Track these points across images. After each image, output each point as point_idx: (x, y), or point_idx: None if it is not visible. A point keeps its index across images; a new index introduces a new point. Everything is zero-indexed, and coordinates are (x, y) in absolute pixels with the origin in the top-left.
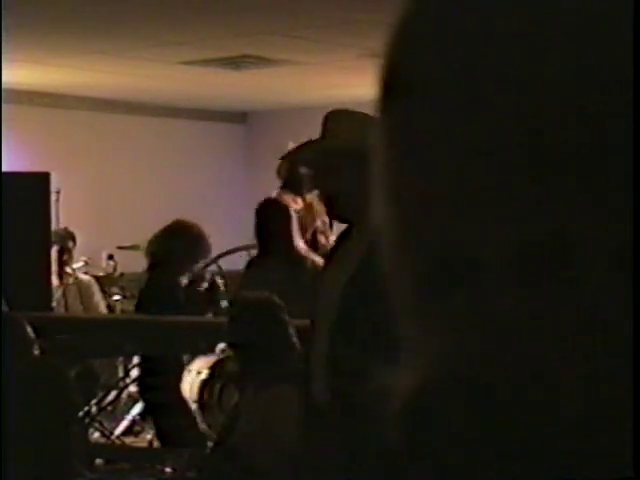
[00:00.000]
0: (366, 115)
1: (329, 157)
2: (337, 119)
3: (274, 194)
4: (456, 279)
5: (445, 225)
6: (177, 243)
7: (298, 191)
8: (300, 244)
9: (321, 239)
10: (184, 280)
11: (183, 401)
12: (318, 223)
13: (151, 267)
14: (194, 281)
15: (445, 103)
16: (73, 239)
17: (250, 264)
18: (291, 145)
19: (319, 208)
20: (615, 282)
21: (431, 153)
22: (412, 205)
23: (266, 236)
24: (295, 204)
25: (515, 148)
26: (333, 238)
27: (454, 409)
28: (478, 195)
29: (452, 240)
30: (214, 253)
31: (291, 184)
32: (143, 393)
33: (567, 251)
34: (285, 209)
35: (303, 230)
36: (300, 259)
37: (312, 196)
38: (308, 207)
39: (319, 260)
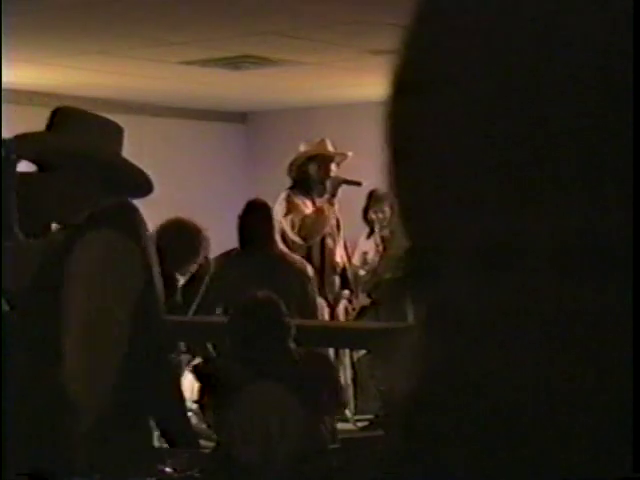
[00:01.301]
0: (97, 117)
1: (48, 153)
2: (66, 117)
3: (283, 195)
4: (424, 273)
5: (430, 219)
6: (173, 240)
7: (308, 193)
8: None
9: (329, 243)
10: (182, 278)
11: (182, 401)
12: (327, 227)
13: None
14: (195, 280)
15: (451, 101)
16: None
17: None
18: (302, 146)
19: (329, 212)
20: (616, 280)
21: (431, 153)
22: (408, 199)
23: (246, 235)
24: (305, 207)
25: (516, 145)
26: (341, 242)
27: (450, 407)
28: (471, 191)
29: (431, 234)
30: (214, 253)
31: (300, 186)
32: None
33: (566, 250)
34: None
35: (313, 233)
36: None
37: (323, 200)
38: (319, 211)
39: (300, 260)
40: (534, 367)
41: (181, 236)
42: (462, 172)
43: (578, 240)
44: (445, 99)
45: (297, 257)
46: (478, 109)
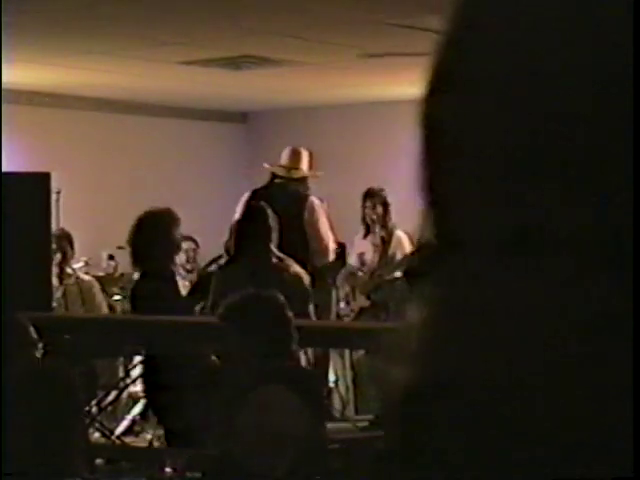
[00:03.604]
0: None
1: None
2: None
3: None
4: (446, 264)
5: (459, 210)
6: (151, 235)
7: None
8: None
9: None
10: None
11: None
12: None
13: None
14: (199, 283)
15: (479, 99)
16: (69, 239)
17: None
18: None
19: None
20: (615, 279)
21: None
22: (441, 192)
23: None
24: None
25: (524, 142)
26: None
27: (449, 407)
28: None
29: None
30: (215, 254)
31: None
32: (149, 392)
33: (586, 241)
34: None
35: None
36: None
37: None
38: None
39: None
40: (531, 366)
41: (156, 230)
42: (493, 165)
43: (598, 231)
44: (478, 98)
45: (295, 265)
46: (511, 107)
